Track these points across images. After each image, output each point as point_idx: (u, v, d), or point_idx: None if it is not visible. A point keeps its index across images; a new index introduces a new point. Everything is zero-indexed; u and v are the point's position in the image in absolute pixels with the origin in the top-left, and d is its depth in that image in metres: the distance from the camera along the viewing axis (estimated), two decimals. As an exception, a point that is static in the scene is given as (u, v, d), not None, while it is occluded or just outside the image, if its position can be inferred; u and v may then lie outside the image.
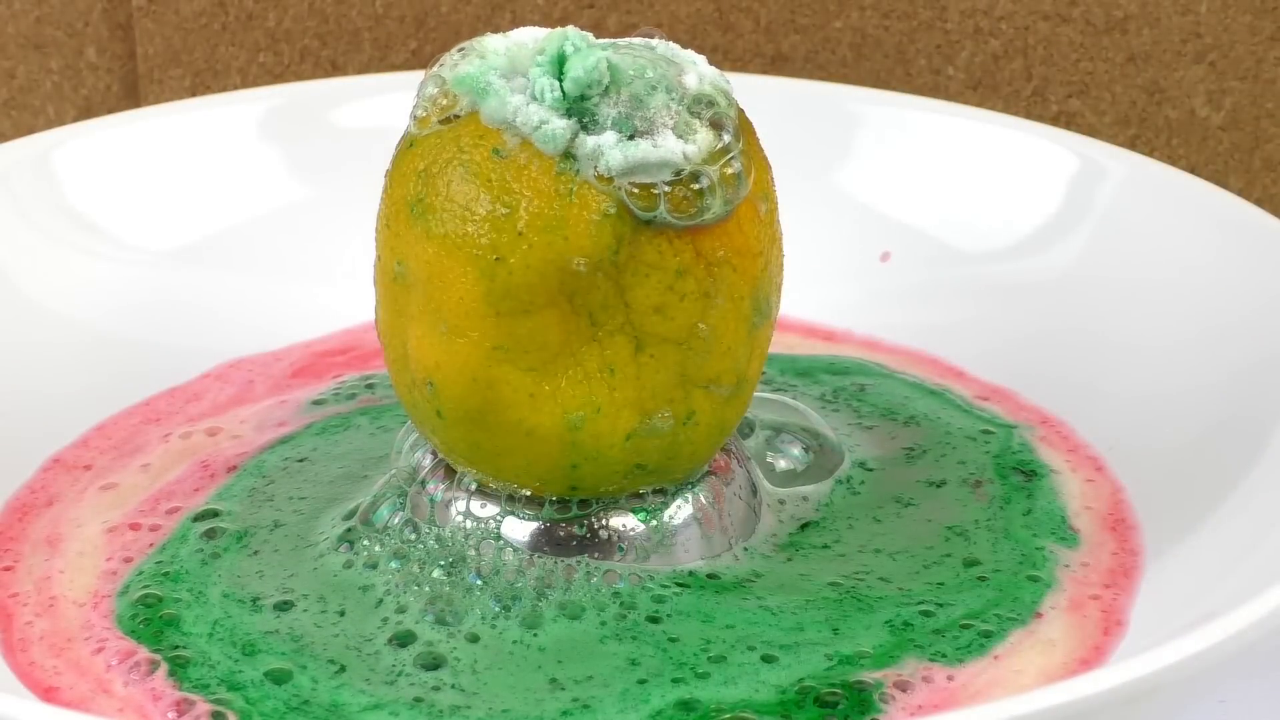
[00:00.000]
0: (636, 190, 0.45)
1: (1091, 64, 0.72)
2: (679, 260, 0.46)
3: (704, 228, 0.46)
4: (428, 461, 0.50)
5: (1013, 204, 0.61)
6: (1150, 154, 0.72)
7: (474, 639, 0.47)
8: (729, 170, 0.46)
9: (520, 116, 0.46)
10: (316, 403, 0.57)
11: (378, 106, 0.63)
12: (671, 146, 0.46)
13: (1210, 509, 0.50)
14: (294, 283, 0.61)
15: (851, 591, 0.48)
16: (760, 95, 0.55)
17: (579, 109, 0.46)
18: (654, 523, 0.49)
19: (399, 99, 0.52)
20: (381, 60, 0.74)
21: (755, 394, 0.50)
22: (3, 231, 0.59)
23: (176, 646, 0.47)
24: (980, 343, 0.59)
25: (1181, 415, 0.54)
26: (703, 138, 0.46)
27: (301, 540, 0.50)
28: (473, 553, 0.48)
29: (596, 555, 0.48)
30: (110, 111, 0.75)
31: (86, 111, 0.76)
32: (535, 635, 0.47)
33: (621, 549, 0.48)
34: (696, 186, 0.46)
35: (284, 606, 0.48)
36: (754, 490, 0.51)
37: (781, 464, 0.53)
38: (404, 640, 0.47)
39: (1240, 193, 0.72)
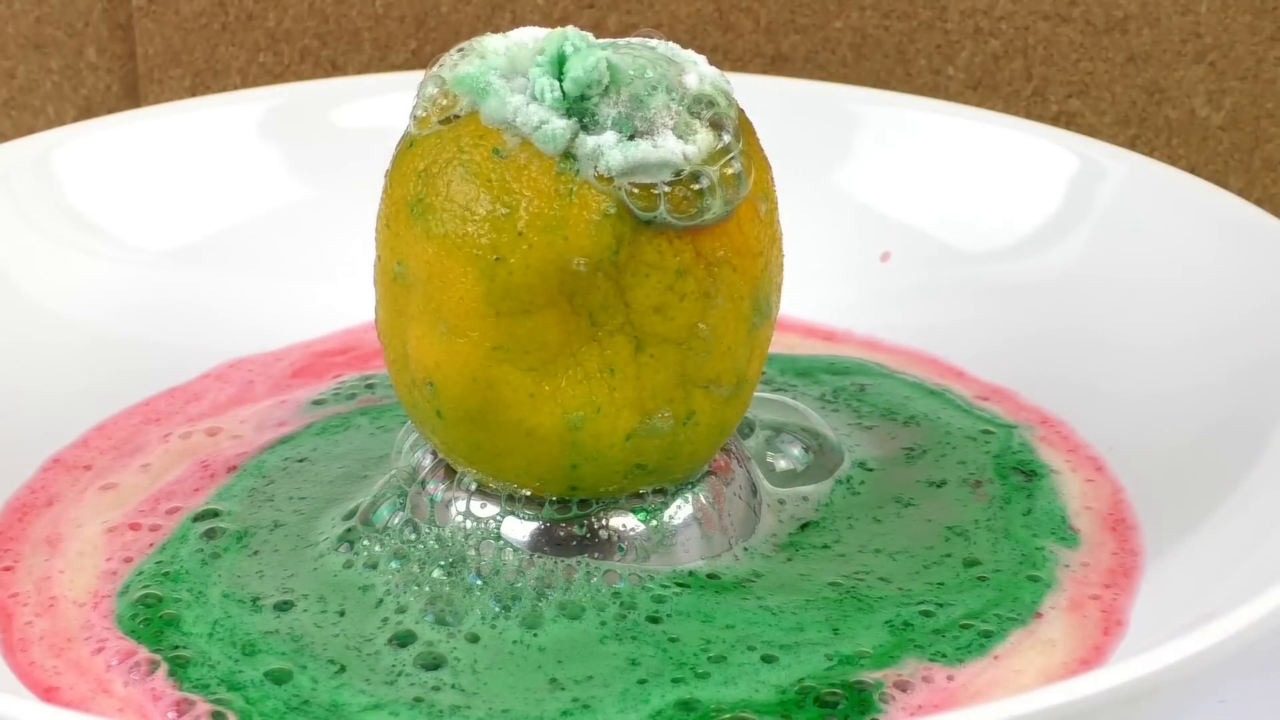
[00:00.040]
0: (636, 190, 0.45)
1: (1091, 64, 0.72)
2: (679, 260, 0.46)
3: (704, 228, 0.46)
4: (428, 461, 0.50)
5: (1013, 204, 0.61)
6: (1150, 154, 0.72)
7: (474, 639, 0.47)
8: (729, 170, 0.46)
9: (520, 116, 0.46)
10: (316, 403, 0.57)
11: (378, 106, 0.63)
12: (671, 147, 0.46)
13: (1210, 509, 0.50)
14: (294, 283, 0.61)
15: (851, 591, 0.48)
16: (760, 95, 0.55)
17: (579, 109, 0.46)
18: (654, 523, 0.49)
19: (399, 99, 0.52)
20: (381, 60, 0.74)
21: (755, 394, 0.50)
22: (3, 231, 0.59)
23: (176, 646, 0.47)
24: (980, 343, 0.59)
25: (1181, 415, 0.54)
26: (703, 138, 0.46)
27: (301, 540, 0.50)
28: (473, 553, 0.48)
29: (596, 555, 0.48)
30: (110, 111, 0.75)
31: (86, 111, 0.76)
32: (535, 635, 0.47)
33: (621, 549, 0.48)
34: (696, 187, 0.46)
35: (284, 606, 0.48)
36: (754, 490, 0.51)
37: (781, 464, 0.53)
38: (404, 640, 0.47)
39: (1240, 193, 0.72)
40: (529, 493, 0.48)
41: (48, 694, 0.46)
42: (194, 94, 0.75)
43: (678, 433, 0.47)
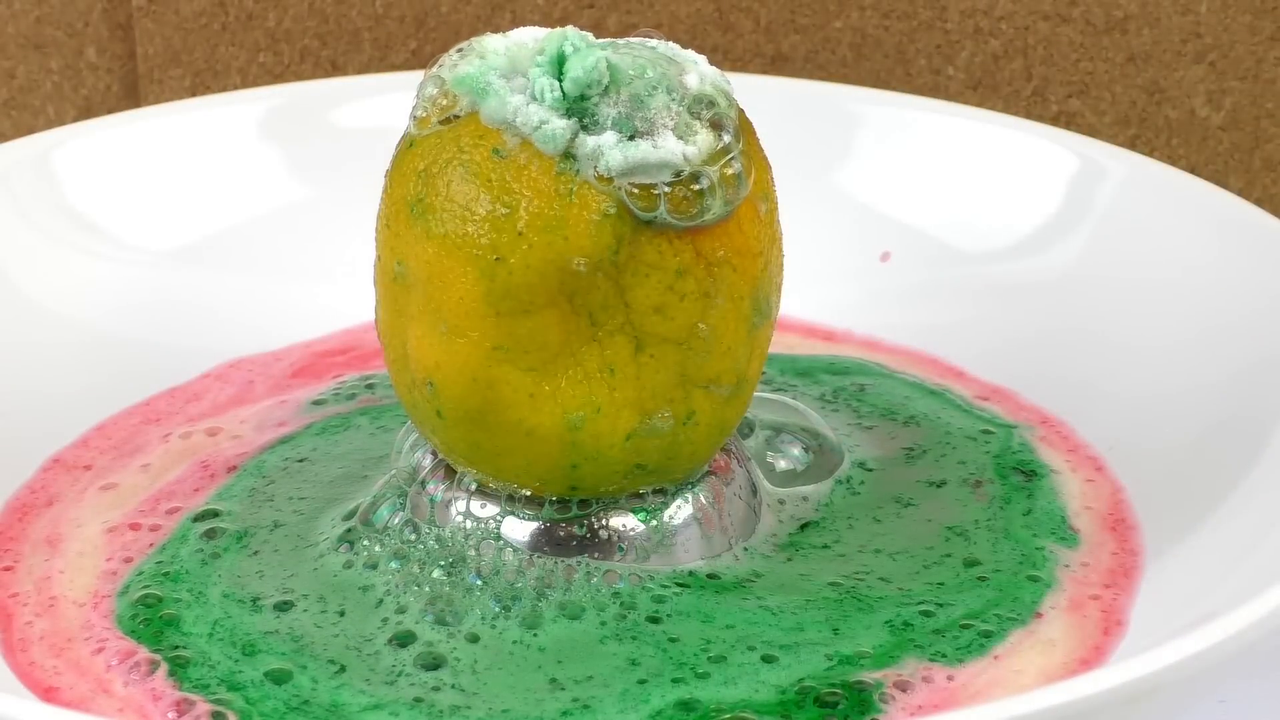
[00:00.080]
0: (636, 190, 0.45)
1: (1091, 64, 0.72)
2: (679, 260, 0.46)
3: (704, 228, 0.46)
4: (428, 461, 0.50)
5: (1013, 204, 0.61)
6: (1150, 154, 0.72)
7: (474, 639, 0.47)
8: (729, 171, 0.46)
9: (520, 116, 0.46)
10: (316, 403, 0.57)
11: (378, 106, 0.63)
12: (671, 147, 0.46)
13: (1210, 509, 0.50)
14: (294, 283, 0.61)
15: (851, 591, 0.48)
16: (760, 95, 0.55)
17: (579, 109, 0.46)
18: (654, 523, 0.49)
19: (399, 99, 0.52)
20: (381, 60, 0.74)
21: (755, 394, 0.50)
22: (3, 231, 0.59)
23: (176, 646, 0.47)
24: (980, 343, 0.59)
25: (1181, 415, 0.54)
26: (703, 139, 0.46)
27: (301, 540, 0.50)
28: (473, 553, 0.48)
29: (596, 555, 0.48)
30: (110, 111, 0.75)
31: (86, 111, 0.76)
32: (535, 635, 0.47)
33: (621, 549, 0.48)
34: (697, 187, 0.46)
35: (284, 606, 0.48)
36: (754, 490, 0.51)
37: (781, 464, 0.53)
38: (404, 640, 0.47)
39: (1240, 193, 0.72)
40: (529, 493, 0.48)
41: (48, 694, 0.46)
42: (194, 94, 0.75)
43: (678, 433, 0.47)
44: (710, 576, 0.49)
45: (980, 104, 0.72)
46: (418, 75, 0.53)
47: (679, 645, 0.46)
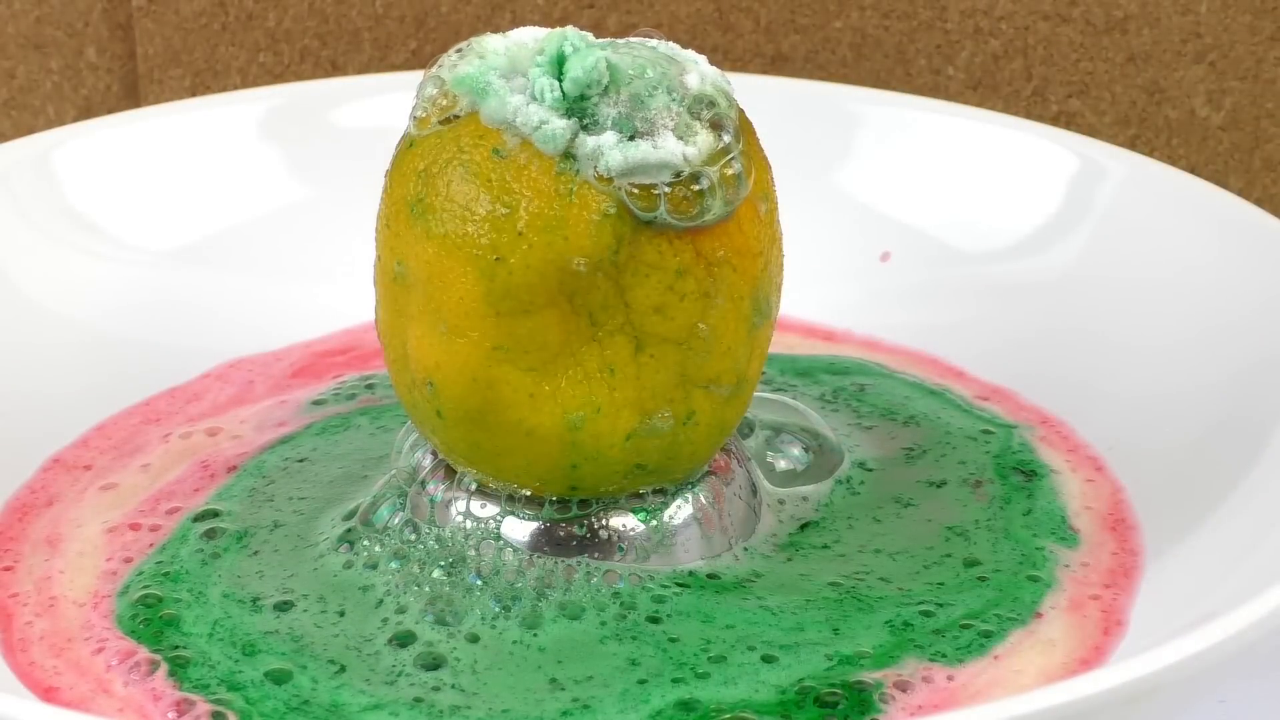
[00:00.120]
0: (637, 191, 0.45)
1: (1091, 64, 0.72)
2: (679, 260, 0.46)
3: (704, 228, 0.46)
4: (428, 461, 0.50)
5: (1013, 204, 0.61)
6: (1150, 154, 0.72)
7: (474, 639, 0.47)
8: (729, 171, 0.46)
9: (520, 116, 0.46)
10: (316, 403, 0.57)
11: (378, 106, 0.63)
12: (671, 148, 0.46)
13: (1210, 509, 0.50)
14: (294, 283, 0.61)
15: (851, 591, 0.48)
16: (760, 95, 0.55)
17: (579, 109, 0.46)
18: (654, 523, 0.49)
19: (399, 99, 0.52)
20: (381, 60, 0.74)
21: (755, 394, 0.50)
22: (3, 231, 0.59)
23: (176, 646, 0.47)
24: (980, 343, 0.59)
25: (1181, 415, 0.54)
26: (703, 139, 0.46)
27: (301, 540, 0.50)
28: (473, 553, 0.48)
29: (596, 555, 0.48)
30: (110, 111, 0.75)
31: (86, 111, 0.76)
32: (535, 635, 0.47)
33: (621, 549, 0.48)
34: (697, 187, 0.46)
35: (284, 607, 0.48)
36: (754, 490, 0.51)
37: (781, 464, 0.53)
38: (404, 640, 0.47)
39: (1240, 193, 0.72)
40: (529, 493, 0.48)
41: (48, 694, 0.46)
42: (194, 94, 0.75)
43: (678, 433, 0.47)
44: (710, 576, 0.49)
45: (980, 104, 0.72)
46: (418, 75, 0.53)
47: (679, 645, 0.46)
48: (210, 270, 0.61)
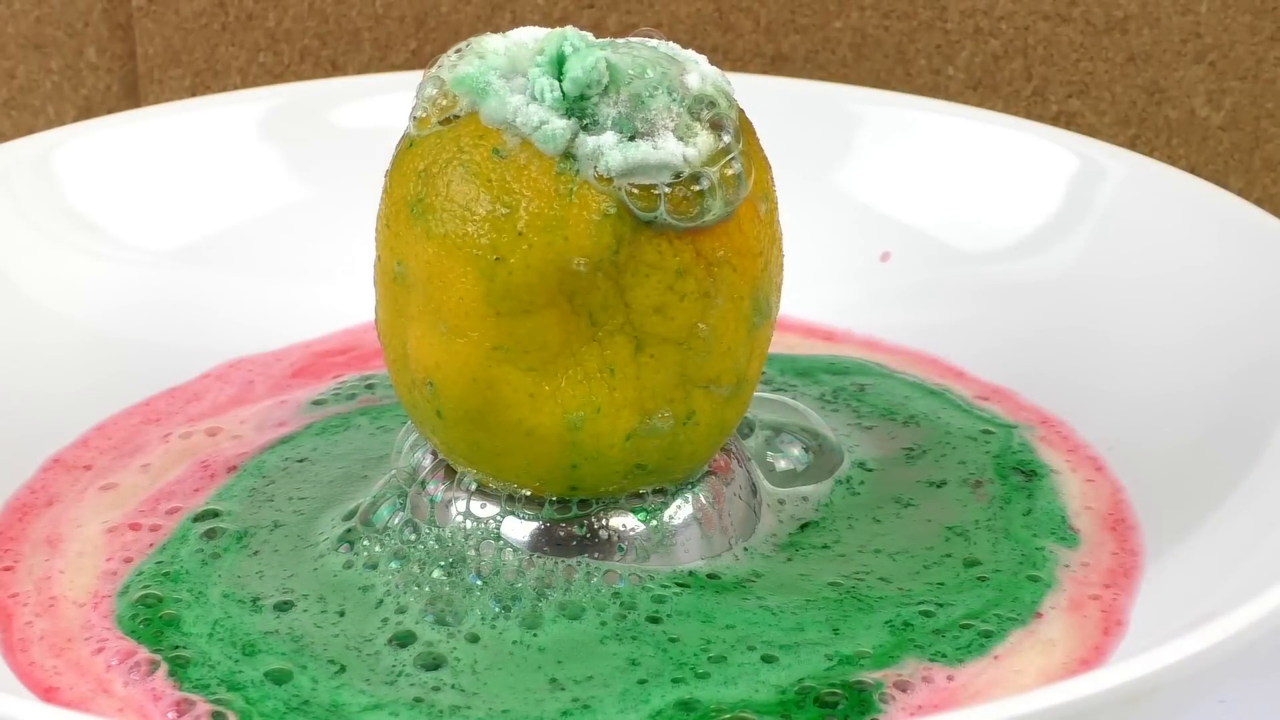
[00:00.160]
0: (637, 191, 0.45)
1: (1091, 64, 0.72)
2: (679, 260, 0.46)
3: (704, 228, 0.46)
4: (428, 461, 0.50)
5: (1013, 204, 0.61)
6: (1150, 154, 0.72)
7: (474, 639, 0.47)
8: (729, 171, 0.46)
9: (520, 116, 0.46)
10: (316, 403, 0.57)
11: (378, 106, 0.63)
12: (672, 149, 0.46)
13: (1210, 509, 0.50)
14: (294, 283, 0.61)
15: (851, 591, 0.48)
16: (760, 95, 0.55)
17: (579, 109, 0.46)
18: (654, 523, 0.49)
19: (399, 99, 0.52)
20: (381, 60, 0.74)
21: (755, 394, 0.50)
22: (3, 231, 0.59)
23: (176, 647, 0.47)
24: (980, 343, 0.59)
25: (1181, 415, 0.54)
26: (703, 140, 0.46)
27: (301, 540, 0.50)
28: (473, 553, 0.48)
29: (596, 555, 0.48)
30: (110, 111, 0.75)
31: (86, 111, 0.76)
32: (535, 635, 0.47)
33: (621, 549, 0.48)
34: (697, 188, 0.46)
35: (284, 607, 0.48)
36: (754, 490, 0.51)
37: (781, 464, 0.53)
38: (404, 640, 0.47)
39: (1240, 193, 0.72)
40: (529, 493, 0.48)
41: (48, 694, 0.46)
42: (194, 94, 0.75)
43: (678, 433, 0.47)
44: (710, 576, 0.49)
45: (980, 104, 0.72)
46: (418, 75, 0.53)
47: (679, 645, 0.46)
48: (210, 270, 0.61)
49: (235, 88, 0.74)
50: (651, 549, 0.48)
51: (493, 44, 0.47)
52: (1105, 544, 0.51)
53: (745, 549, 0.50)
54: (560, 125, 0.45)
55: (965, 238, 0.61)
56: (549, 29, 0.47)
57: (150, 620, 0.48)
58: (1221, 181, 0.72)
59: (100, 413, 0.56)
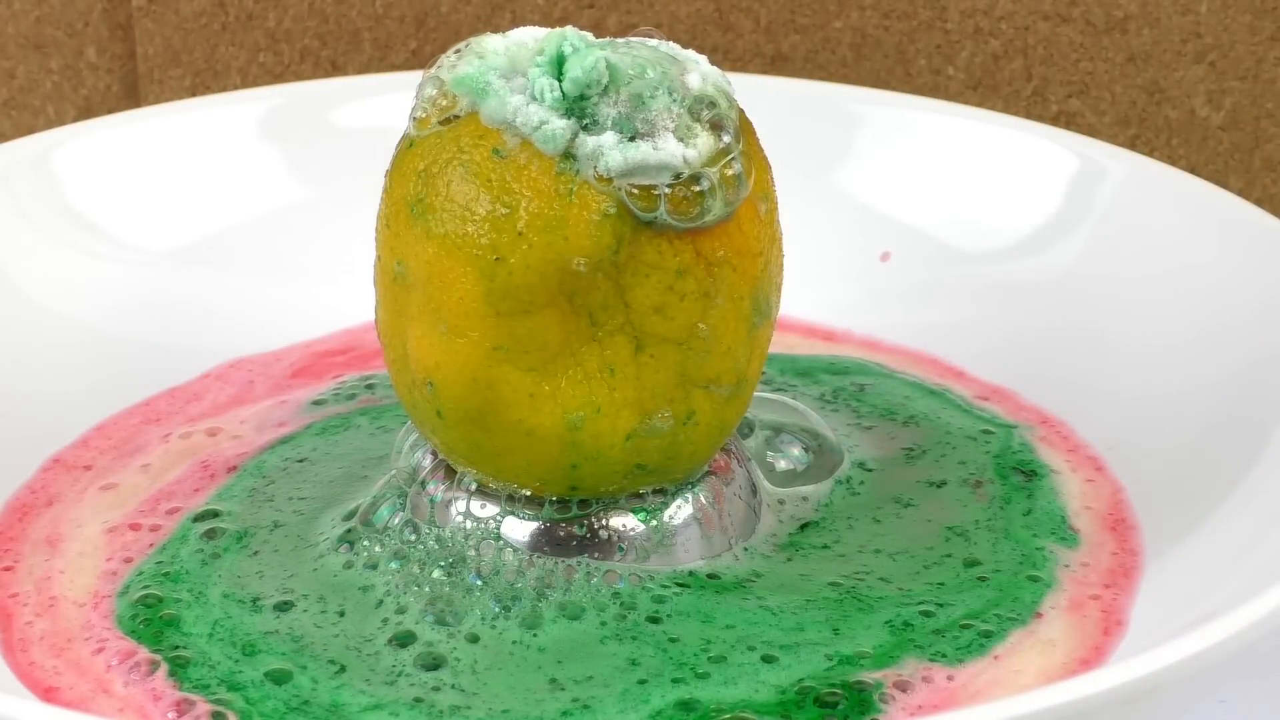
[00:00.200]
0: (637, 191, 0.45)
1: (1091, 64, 0.72)
2: (679, 260, 0.46)
3: (704, 228, 0.46)
4: (428, 462, 0.50)
5: (1013, 204, 0.61)
6: (1150, 154, 0.72)
7: (474, 639, 0.47)
8: (729, 171, 0.46)
9: (520, 117, 0.46)
10: (316, 403, 0.57)
11: (378, 106, 0.63)
12: (672, 150, 0.46)
13: (1210, 509, 0.50)
14: (294, 283, 0.61)
15: (851, 591, 0.48)
16: (760, 95, 0.55)
17: (578, 109, 0.46)
18: (654, 523, 0.49)
19: (399, 99, 0.52)
20: (381, 60, 0.74)
21: (755, 394, 0.50)
22: (3, 231, 0.59)
23: (177, 647, 0.47)
24: (980, 343, 0.59)
25: (1181, 415, 0.54)
26: (703, 141, 0.46)
27: (301, 540, 0.50)
28: (473, 553, 0.48)
29: (596, 555, 0.48)
30: (110, 111, 0.75)
31: (86, 111, 0.76)
32: (535, 635, 0.47)
33: (621, 549, 0.48)
34: (697, 188, 0.46)
35: (284, 607, 0.48)
36: (754, 490, 0.51)
37: (781, 464, 0.53)
38: (404, 640, 0.47)
39: (1240, 193, 0.72)
40: (529, 493, 0.48)
41: (48, 694, 0.46)
42: (194, 94, 0.75)
43: (678, 433, 0.47)
44: (710, 576, 0.49)
45: (980, 104, 0.72)
46: (418, 75, 0.53)
47: (679, 645, 0.46)
48: (210, 270, 0.61)
49: (235, 88, 0.74)
50: (651, 549, 0.48)
51: (492, 44, 0.47)
52: (1105, 544, 0.51)
53: (745, 549, 0.50)
54: (560, 125, 0.45)
55: (965, 238, 0.61)
56: (549, 29, 0.47)
57: (150, 620, 0.48)
58: (1221, 181, 0.72)
59: (100, 413, 0.56)
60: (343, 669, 0.46)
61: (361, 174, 0.54)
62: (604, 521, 0.48)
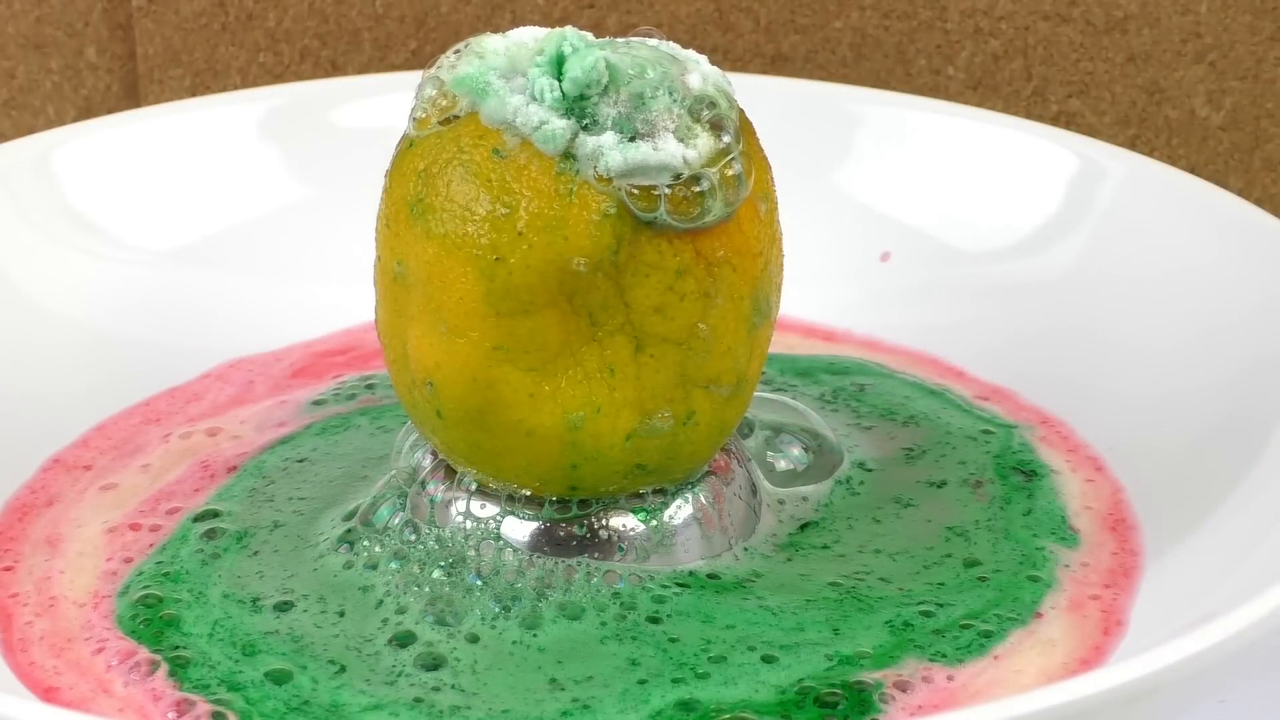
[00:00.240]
0: (637, 191, 0.45)
1: (1091, 64, 0.72)
2: (679, 260, 0.46)
3: (704, 228, 0.46)
4: (428, 462, 0.50)
5: (1013, 204, 0.61)
6: (1150, 154, 0.72)
7: (474, 639, 0.47)
8: (729, 172, 0.46)
9: (520, 117, 0.46)
10: (316, 403, 0.57)
11: (378, 106, 0.63)
12: (672, 150, 0.46)
13: (1210, 509, 0.50)
14: (294, 283, 0.61)
15: (851, 591, 0.48)
16: (760, 95, 0.55)
17: (578, 109, 0.46)
18: (654, 523, 0.49)
19: (399, 99, 0.52)
20: (381, 60, 0.74)
21: (755, 394, 0.50)
22: (3, 231, 0.59)
23: (177, 647, 0.47)
24: (980, 343, 0.59)
25: (1181, 415, 0.54)
26: (703, 142, 0.46)
27: (301, 541, 0.50)
28: (473, 553, 0.48)
29: (596, 555, 0.48)
30: (110, 111, 0.75)
31: (86, 111, 0.76)
32: (535, 636, 0.47)
33: (621, 549, 0.48)
34: (697, 189, 0.46)
35: (284, 607, 0.48)
36: (754, 490, 0.51)
37: (781, 464, 0.53)
38: (404, 641, 0.47)
39: (1240, 193, 0.72)
40: (529, 493, 0.48)
41: (48, 694, 0.46)
42: (194, 94, 0.75)
43: (678, 433, 0.47)
44: (710, 576, 0.49)
45: (980, 104, 0.72)
46: (418, 75, 0.53)
47: (679, 645, 0.46)
48: (210, 270, 0.61)
49: (235, 88, 0.75)
50: (651, 549, 0.48)
51: (492, 44, 0.47)
52: (1105, 544, 0.51)
53: (745, 549, 0.50)
54: (560, 125, 0.45)
55: (965, 238, 0.61)
56: (549, 29, 0.47)
57: (150, 620, 0.48)
58: (1221, 181, 0.72)
59: (100, 413, 0.56)
60: (343, 669, 0.46)
61: (361, 174, 0.54)
62: (604, 521, 0.48)
